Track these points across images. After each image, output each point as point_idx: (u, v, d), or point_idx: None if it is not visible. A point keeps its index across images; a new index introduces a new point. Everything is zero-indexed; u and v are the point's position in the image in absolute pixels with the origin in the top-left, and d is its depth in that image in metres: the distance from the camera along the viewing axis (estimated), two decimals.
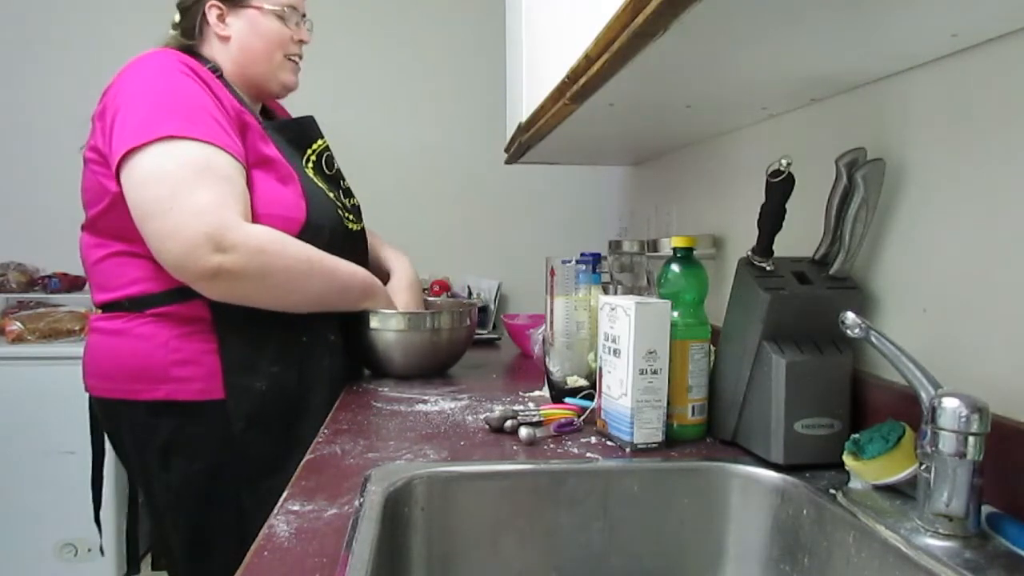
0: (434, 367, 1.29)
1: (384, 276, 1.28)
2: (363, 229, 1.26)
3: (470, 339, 1.36)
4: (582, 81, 0.85)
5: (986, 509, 0.59)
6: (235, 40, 1.14)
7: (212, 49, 1.15)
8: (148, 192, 0.97)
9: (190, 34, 1.15)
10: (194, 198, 0.96)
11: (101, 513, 1.23)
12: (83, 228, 1.12)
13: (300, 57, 1.22)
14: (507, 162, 1.70)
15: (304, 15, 1.22)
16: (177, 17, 1.17)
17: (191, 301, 1.04)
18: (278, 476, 0.97)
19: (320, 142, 1.24)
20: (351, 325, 1.24)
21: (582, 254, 1.06)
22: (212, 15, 1.13)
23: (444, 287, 2.28)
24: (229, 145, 1.02)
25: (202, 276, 0.97)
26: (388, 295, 1.24)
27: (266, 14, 1.15)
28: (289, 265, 1.03)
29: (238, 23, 1.14)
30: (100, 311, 1.11)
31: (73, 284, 2.28)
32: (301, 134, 1.21)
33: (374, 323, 1.22)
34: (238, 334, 1.06)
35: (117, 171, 0.99)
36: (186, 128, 0.98)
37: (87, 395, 1.14)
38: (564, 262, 1.04)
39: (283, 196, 1.06)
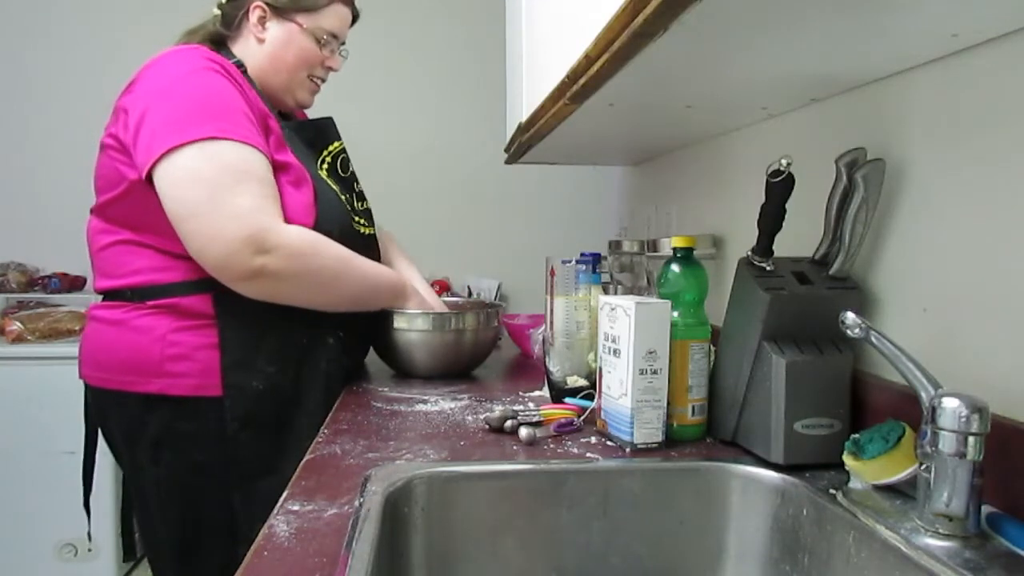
0: (458, 368, 1.28)
1: None
2: (374, 234, 1.27)
3: (495, 341, 1.36)
4: (582, 81, 0.85)
5: (986, 509, 0.59)
6: (268, 45, 1.15)
7: (243, 45, 1.16)
8: (188, 193, 0.97)
9: (228, 23, 1.16)
10: (234, 200, 0.97)
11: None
12: (92, 212, 1.11)
13: (323, 80, 1.23)
14: (507, 162, 1.70)
15: (343, 43, 1.23)
16: None
17: (194, 295, 1.04)
18: (270, 477, 0.97)
19: (337, 144, 1.25)
20: (376, 325, 1.24)
21: (582, 254, 1.06)
22: (254, 15, 1.14)
23: (444, 287, 2.28)
24: (262, 146, 1.03)
25: (243, 277, 0.99)
26: (419, 294, 1.26)
27: (305, 33, 1.16)
28: (326, 265, 1.06)
29: (276, 31, 1.15)
30: (101, 298, 1.11)
31: (73, 284, 2.28)
32: (319, 135, 1.22)
33: (399, 323, 1.22)
34: (238, 332, 1.06)
35: (151, 169, 0.98)
36: (223, 129, 0.99)
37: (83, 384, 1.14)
38: (564, 262, 1.04)
39: (293, 202, 1.07)
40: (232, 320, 1.05)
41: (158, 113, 1.00)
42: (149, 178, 0.99)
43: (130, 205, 1.04)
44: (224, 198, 0.97)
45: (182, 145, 0.97)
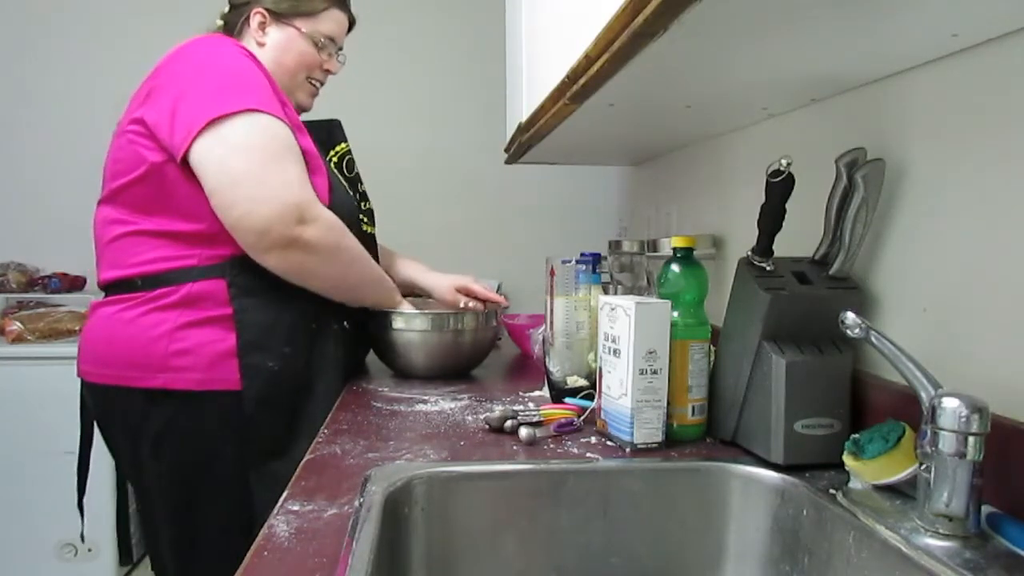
0: (458, 368, 1.29)
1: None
2: (374, 234, 1.29)
3: (495, 341, 1.36)
4: (582, 81, 0.85)
5: (986, 509, 0.59)
6: (269, 49, 1.18)
7: (248, 48, 1.18)
8: (240, 158, 0.99)
9: (230, 30, 1.20)
10: (285, 168, 1.01)
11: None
12: (101, 202, 1.11)
13: (322, 83, 1.26)
14: (507, 162, 1.70)
15: (340, 47, 1.25)
16: (227, 8, 1.21)
17: (207, 280, 1.05)
18: (283, 459, 0.98)
19: (343, 145, 1.28)
20: (375, 324, 1.25)
21: (582, 254, 1.06)
22: (255, 21, 1.18)
23: None
24: (291, 125, 1.06)
25: (279, 244, 1.01)
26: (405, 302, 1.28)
27: (304, 36, 1.19)
28: (351, 246, 1.11)
29: (276, 35, 1.18)
30: (104, 293, 1.11)
31: (73, 284, 2.28)
32: (327, 136, 1.25)
33: (398, 323, 1.23)
34: (254, 314, 1.07)
35: (195, 139, 0.99)
36: (263, 103, 1.02)
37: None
38: (564, 262, 1.04)
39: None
40: (247, 301, 1.06)
41: (199, 86, 1.02)
42: (185, 155, 0.99)
43: (146, 189, 1.04)
44: (275, 166, 1.00)
45: (231, 115, 0.99)
